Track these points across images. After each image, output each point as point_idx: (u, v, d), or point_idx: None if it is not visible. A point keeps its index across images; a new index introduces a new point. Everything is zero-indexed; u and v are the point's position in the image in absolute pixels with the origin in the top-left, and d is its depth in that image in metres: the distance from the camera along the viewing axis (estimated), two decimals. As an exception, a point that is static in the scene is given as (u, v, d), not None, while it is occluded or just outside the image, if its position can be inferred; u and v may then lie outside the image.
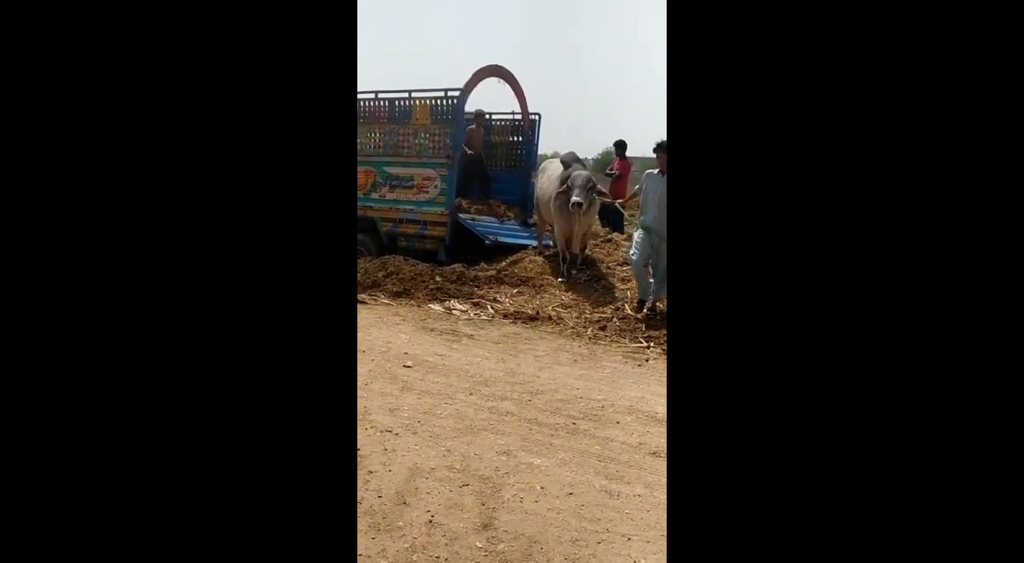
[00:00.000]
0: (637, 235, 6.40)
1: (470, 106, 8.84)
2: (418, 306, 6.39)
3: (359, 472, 2.98)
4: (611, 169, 10.15)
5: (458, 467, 3.10)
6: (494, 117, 10.03)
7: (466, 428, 3.57)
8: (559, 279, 7.31)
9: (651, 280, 6.25)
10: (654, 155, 6.33)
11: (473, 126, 9.30)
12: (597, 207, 7.44)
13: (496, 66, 9.09)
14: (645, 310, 6.23)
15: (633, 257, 6.38)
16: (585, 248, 7.90)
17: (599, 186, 7.10)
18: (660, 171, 6.18)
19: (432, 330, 5.62)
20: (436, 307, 6.37)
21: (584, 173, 6.92)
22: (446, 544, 2.49)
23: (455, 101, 8.26)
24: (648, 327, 5.82)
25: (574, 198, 6.62)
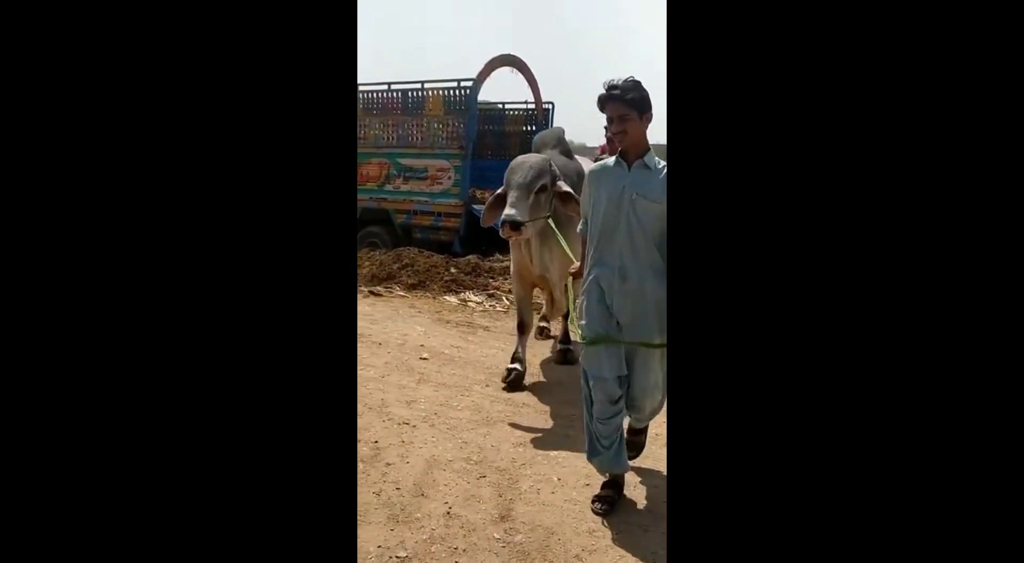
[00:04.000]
0: (588, 312, 2.63)
1: (484, 95, 8.81)
2: (433, 298, 6.41)
3: (377, 465, 3.01)
4: (600, 153, 6.91)
5: (475, 459, 3.12)
6: (507, 107, 10.01)
7: (483, 420, 3.58)
8: (506, 377, 4.05)
9: (623, 426, 2.72)
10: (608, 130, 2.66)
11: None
12: (576, 226, 3.10)
13: (509, 55, 9.05)
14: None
15: (594, 377, 2.60)
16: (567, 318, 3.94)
17: (563, 183, 3.63)
18: (620, 154, 2.57)
19: (448, 322, 5.64)
20: (451, 299, 6.39)
21: (531, 160, 3.60)
22: (464, 535, 2.51)
23: (468, 91, 8.24)
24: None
25: (505, 213, 3.42)
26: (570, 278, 3.13)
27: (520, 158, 3.71)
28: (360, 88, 9.09)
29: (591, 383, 2.66)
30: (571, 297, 3.13)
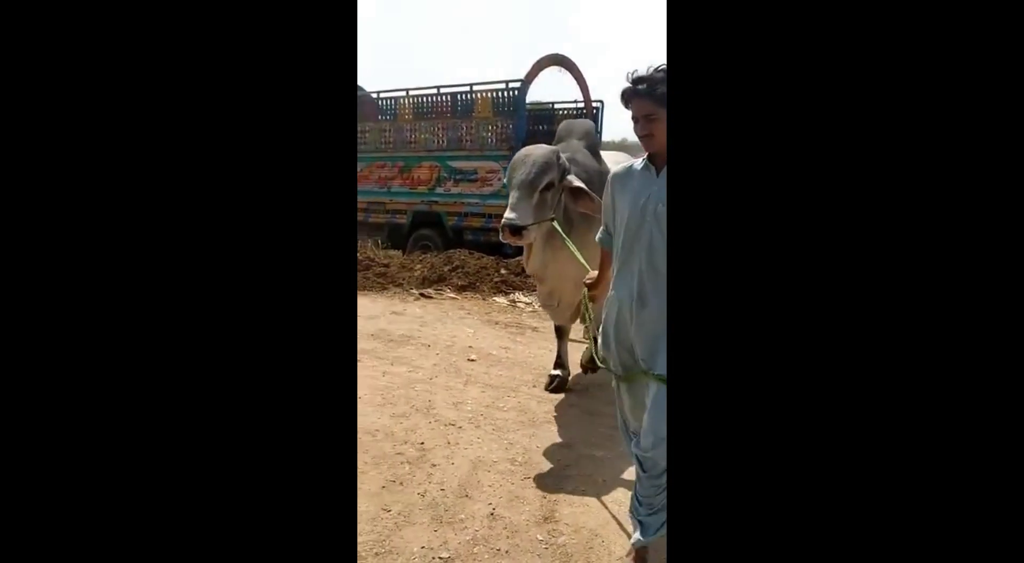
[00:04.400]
0: (607, 346, 2.28)
1: (531, 96, 8.82)
2: (483, 299, 6.44)
3: (423, 466, 3.04)
4: None
5: (520, 460, 3.12)
6: (557, 106, 9.99)
7: (529, 421, 3.58)
8: (548, 384, 3.99)
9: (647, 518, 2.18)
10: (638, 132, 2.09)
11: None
12: (591, 225, 2.96)
13: (557, 55, 9.04)
14: None
15: (621, 428, 2.42)
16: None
17: (573, 177, 3.17)
18: (648, 157, 2.15)
19: (497, 323, 5.65)
20: (501, 300, 6.41)
21: (535, 153, 3.13)
22: (507, 537, 2.51)
23: (516, 92, 8.27)
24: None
25: (505, 216, 3.05)
26: (585, 290, 2.60)
27: (524, 151, 3.22)
28: (409, 92, 9.22)
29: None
30: (588, 314, 2.74)
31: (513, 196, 3.07)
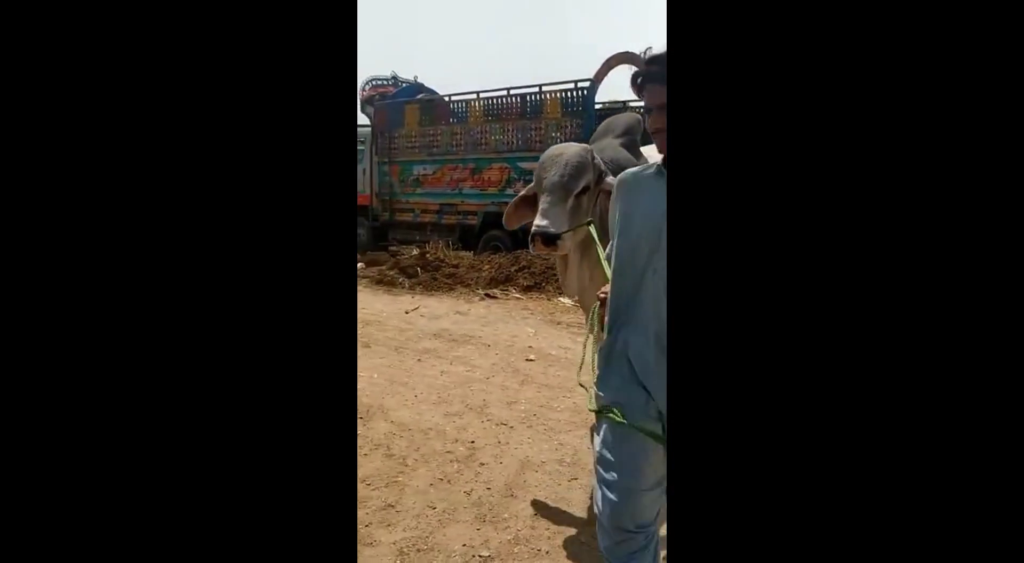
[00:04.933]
0: (606, 434, 1.67)
1: (602, 96, 8.76)
2: (548, 299, 6.43)
3: (471, 465, 3.06)
4: None
5: (568, 461, 3.10)
6: (630, 105, 9.89)
7: (581, 421, 3.55)
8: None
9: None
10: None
11: None
12: None
13: (627, 53, 8.94)
14: None
15: (606, 484, 1.62)
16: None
17: (611, 179, 2.55)
18: (664, 160, 1.62)
19: (559, 323, 5.64)
20: (565, 300, 6.38)
21: (567, 152, 2.73)
22: (549, 538, 2.50)
23: (585, 92, 8.23)
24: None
25: (536, 224, 2.59)
26: (596, 304, 2.05)
27: (554, 149, 2.78)
28: (480, 95, 9.31)
29: (600, 491, 1.66)
30: (593, 328, 2.12)
31: (545, 201, 2.60)
